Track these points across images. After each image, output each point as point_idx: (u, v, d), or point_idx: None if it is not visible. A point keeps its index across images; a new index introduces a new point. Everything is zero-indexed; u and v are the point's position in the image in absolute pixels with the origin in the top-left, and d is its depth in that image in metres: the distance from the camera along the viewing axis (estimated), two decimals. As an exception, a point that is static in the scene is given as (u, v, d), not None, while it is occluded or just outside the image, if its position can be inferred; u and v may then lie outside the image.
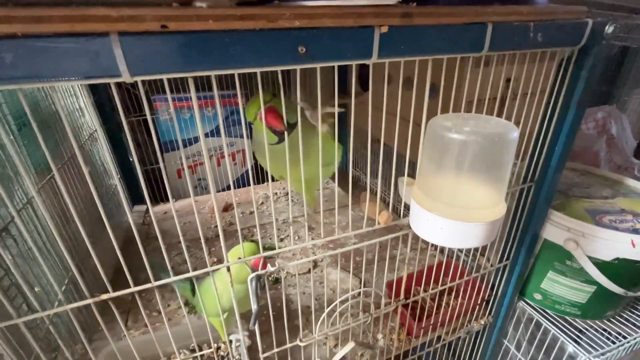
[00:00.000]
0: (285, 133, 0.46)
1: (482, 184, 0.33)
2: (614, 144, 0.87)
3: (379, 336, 0.50)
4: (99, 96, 0.87)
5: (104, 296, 0.31)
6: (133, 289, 0.32)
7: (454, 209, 0.33)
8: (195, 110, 0.30)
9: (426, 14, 0.30)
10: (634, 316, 0.62)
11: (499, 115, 0.46)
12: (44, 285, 0.48)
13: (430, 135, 0.33)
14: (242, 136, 1.21)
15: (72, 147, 0.71)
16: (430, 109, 0.37)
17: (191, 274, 0.34)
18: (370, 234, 0.43)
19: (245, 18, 0.24)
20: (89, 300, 0.31)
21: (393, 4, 0.29)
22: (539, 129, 0.48)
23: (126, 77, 0.23)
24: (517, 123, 0.47)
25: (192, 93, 0.27)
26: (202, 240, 0.34)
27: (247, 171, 1.26)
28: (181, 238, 0.34)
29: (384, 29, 0.29)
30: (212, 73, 0.26)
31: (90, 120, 0.85)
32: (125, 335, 0.58)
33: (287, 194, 1.12)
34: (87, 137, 0.80)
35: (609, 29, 0.40)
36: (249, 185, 1.23)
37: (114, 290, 0.31)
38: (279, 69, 0.28)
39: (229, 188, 1.21)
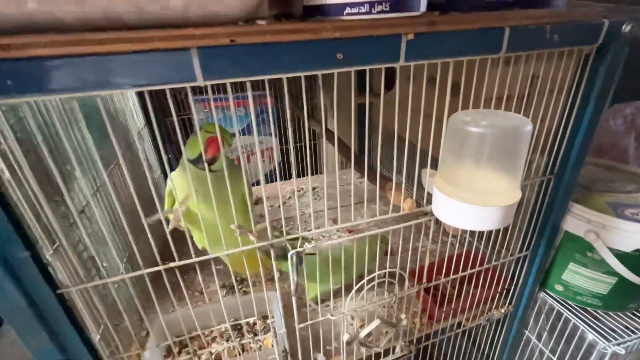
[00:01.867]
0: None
1: (498, 172, 0.36)
2: (643, 140, 0.86)
3: (402, 316, 0.54)
4: (143, 98, 0.96)
5: (172, 264, 0.37)
6: (177, 263, 0.38)
7: (472, 194, 0.37)
8: (232, 111, 0.35)
9: (448, 22, 0.34)
10: (659, 310, 0.62)
11: (524, 111, 0.49)
12: (110, 260, 0.56)
13: (451, 129, 0.37)
14: (270, 135, 1.28)
15: (126, 142, 0.80)
16: (453, 106, 0.41)
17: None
18: (397, 222, 0.47)
19: (295, 32, 0.29)
20: (159, 268, 0.37)
21: (419, 14, 0.33)
22: (558, 123, 0.50)
23: (200, 82, 0.29)
24: (542, 120, 0.50)
25: (230, 95, 0.33)
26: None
27: (274, 167, 1.33)
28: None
29: (411, 36, 0.33)
30: (266, 77, 0.32)
31: (137, 119, 0.94)
32: (173, 310, 0.66)
33: (313, 189, 1.18)
34: (136, 135, 0.89)
35: (626, 28, 0.42)
36: (277, 180, 1.30)
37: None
38: (320, 72, 0.33)
39: (258, 183, 1.28)
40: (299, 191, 1.16)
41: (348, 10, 0.30)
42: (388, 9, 0.29)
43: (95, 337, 0.45)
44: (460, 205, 0.37)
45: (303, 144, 1.27)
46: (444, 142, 0.39)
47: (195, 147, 0.55)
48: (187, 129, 1.16)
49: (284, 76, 0.32)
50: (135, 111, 0.92)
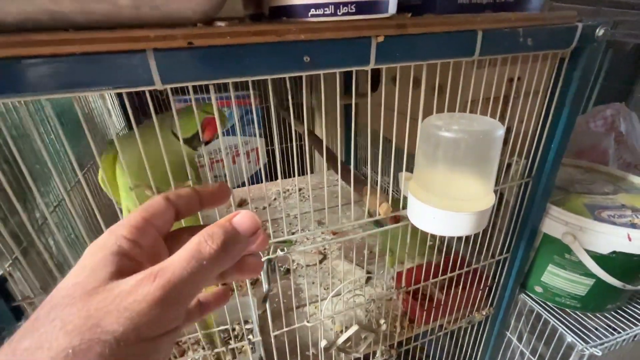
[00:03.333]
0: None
1: (471, 177, 0.36)
2: (623, 141, 0.87)
3: (382, 321, 0.54)
4: (121, 98, 0.94)
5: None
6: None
7: (446, 200, 0.36)
8: (215, 112, 0.34)
9: (419, 24, 0.34)
10: (635, 309, 0.63)
11: (503, 113, 0.49)
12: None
13: (423, 133, 0.36)
14: (256, 135, 1.26)
15: (101, 144, 0.77)
16: (433, 108, 0.40)
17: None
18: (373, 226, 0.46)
19: (257, 34, 0.28)
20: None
21: (388, 16, 0.32)
22: (535, 126, 0.50)
23: (158, 86, 0.28)
24: (519, 122, 0.50)
25: (212, 95, 0.31)
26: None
27: (260, 169, 1.31)
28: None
29: (380, 39, 0.33)
30: (230, 80, 0.31)
31: (117, 120, 0.92)
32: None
33: (298, 190, 1.17)
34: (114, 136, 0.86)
35: (600, 31, 0.42)
36: (262, 182, 1.28)
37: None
38: (286, 76, 0.32)
39: (243, 184, 1.26)
40: (284, 192, 1.15)
41: (313, 11, 0.29)
42: (354, 10, 0.29)
43: None
44: (433, 210, 0.36)
45: (289, 145, 1.26)
46: (418, 146, 0.39)
47: (190, 126, 0.52)
48: (170, 129, 1.14)
49: (249, 79, 0.31)
50: (114, 111, 0.90)
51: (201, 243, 0.17)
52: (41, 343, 0.14)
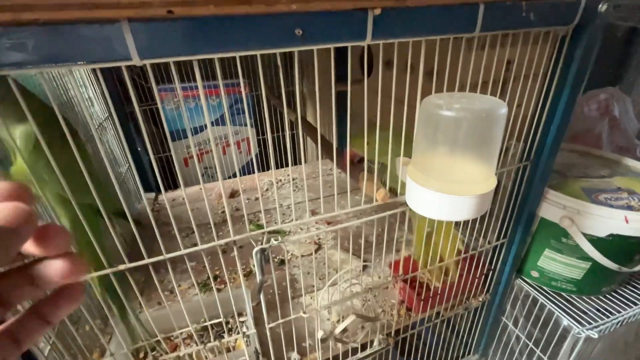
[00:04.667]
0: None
1: (472, 159, 0.34)
2: (616, 125, 0.87)
3: (379, 310, 0.53)
4: (107, 86, 0.90)
5: (121, 267, 0.34)
6: (147, 260, 0.35)
7: (446, 183, 0.34)
8: (202, 97, 0.31)
9: (418, -4, 0.31)
10: (629, 292, 0.63)
11: (501, 97, 0.48)
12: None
13: (423, 113, 0.34)
14: (247, 125, 1.23)
15: (84, 134, 0.74)
16: (428, 92, 0.38)
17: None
18: (371, 213, 0.45)
19: (244, 2, 0.26)
20: (108, 270, 0.34)
21: (386, -14, 0.30)
22: (534, 109, 0.49)
23: (136, 61, 0.25)
24: (517, 105, 0.48)
25: (198, 79, 0.29)
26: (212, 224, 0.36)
27: (252, 159, 1.28)
28: (192, 221, 0.36)
29: (377, 11, 0.30)
30: (216, 56, 0.28)
31: (100, 110, 0.88)
32: (140, 311, 0.62)
33: (291, 180, 1.15)
34: (97, 126, 0.83)
35: (602, 7, 0.40)
36: (254, 172, 1.26)
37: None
38: (278, 51, 0.30)
39: (235, 176, 1.24)
40: (277, 182, 1.13)
41: (305, -22, 0.26)
42: (349, -23, 0.26)
43: (45, 350, 0.42)
44: (433, 194, 0.34)
45: (281, 134, 1.23)
46: (417, 127, 0.37)
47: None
48: (156, 119, 1.10)
49: (237, 54, 0.28)
50: (97, 100, 0.86)
51: None
52: None
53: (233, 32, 0.27)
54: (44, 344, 0.43)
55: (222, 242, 0.38)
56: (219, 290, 0.69)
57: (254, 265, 0.40)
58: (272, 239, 0.38)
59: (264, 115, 0.34)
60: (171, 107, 1.09)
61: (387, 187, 0.44)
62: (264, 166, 1.29)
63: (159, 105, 0.33)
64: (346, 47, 0.33)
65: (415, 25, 0.33)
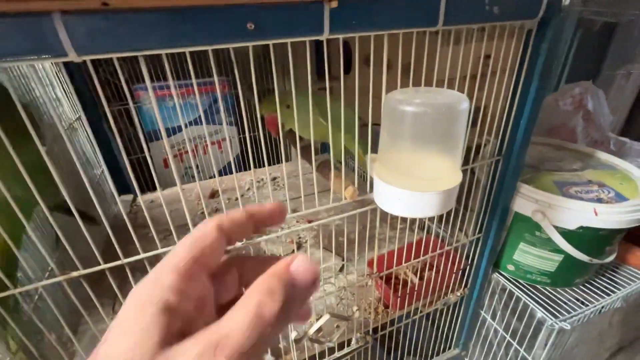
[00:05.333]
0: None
1: (435, 154, 0.34)
2: (590, 119, 0.88)
3: (354, 308, 0.52)
4: (78, 85, 0.86)
5: (74, 274, 0.32)
6: (103, 266, 0.33)
7: (411, 180, 0.34)
8: (175, 98, 0.30)
9: (376, -12, 0.31)
10: (601, 282, 0.65)
11: (478, 92, 0.48)
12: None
13: (385, 109, 0.34)
14: (228, 124, 1.21)
15: (50, 137, 0.71)
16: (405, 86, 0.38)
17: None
18: (345, 210, 0.44)
19: (188, -6, 0.24)
20: (60, 278, 0.32)
21: (341, -22, 0.29)
22: (504, 103, 0.49)
23: (73, 57, 0.24)
24: (496, 99, 0.48)
25: (170, 78, 0.28)
26: (190, 225, 0.35)
27: (233, 159, 1.27)
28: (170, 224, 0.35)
29: (334, 4, 0.29)
30: (163, 52, 0.27)
31: (70, 110, 0.85)
32: (112, 317, 0.60)
33: (273, 179, 1.14)
34: (66, 127, 0.80)
35: (566, 1, 0.40)
36: (236, 172, 1.24)
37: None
38: (230, 46, 0.29)
39: (215, 176, 1.22)
40: (258, 182, 1.11)
41: (252, -31, 0.25)
42: (299, -32, 0.25)
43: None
44: (397, 191, 0.34)
45: (259, 133, 1.21)
46: (382, 124, 0.36)
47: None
48: (132, 120, 1.07)
49: (186, 50, 0.27)
50: (67, 100, 0.83)
51: (261, 304, 0.15)
52: None
53: (178, 26, 0.26)
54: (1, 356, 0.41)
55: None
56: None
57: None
58: (238, 242, 0.37)
59: (243, 114, 0.33)
60: (147, 106, 1.07)
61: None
62: (248, 165, 1.28)
63: (131, 105, 0.31)
64: (322, 43, 0.33)
65: (375, 18, 0.32)
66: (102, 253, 0.34)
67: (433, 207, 0.34)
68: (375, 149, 0.40)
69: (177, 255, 0.16)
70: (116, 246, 0.33)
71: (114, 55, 0.26)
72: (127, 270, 0.35)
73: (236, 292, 0.19)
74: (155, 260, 0.36)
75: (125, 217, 0.34)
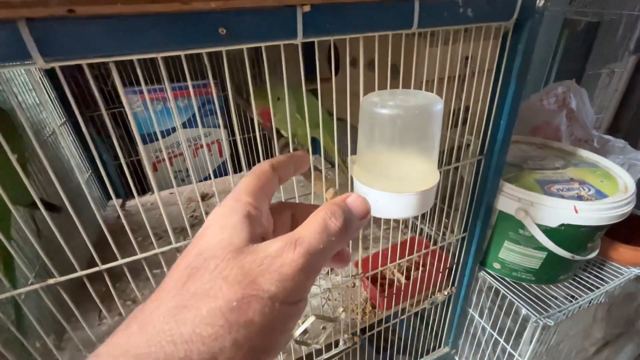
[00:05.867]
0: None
1: (412, 155, 0.34)
2: (574, 117, 0.90)
3: (340, 310, 0.52)
4: (62, 90, 0.86)
5: (51, 281, 0.32)
6: (80, 273, 0.33)
7: (388, 181, 0.34)
8: (171, 101, 0.30)
9: (349, -8, 0.31)
10: (585, 278, 0.66)
11: (459, 93, 0.48)
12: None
13: (362, 111, 0.34)
14: (217, 126, 1.20)
15: (37, 140, 0.70)
16: (393, 88, 0.38)
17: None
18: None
19: (157, 1, 0.24)
20: (36, 286, 0.32)
21: (313, -18, 0.29)
22: (483, 104, 0.50)
23: (40, 63, 0.24)
24: (475, 101, 0.49)
25: (143, 85, 0.28)
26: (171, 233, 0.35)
27: (224, 161, 1.26)
28: (150, 232, 0.35)
29: (306, 8, 0.30)
30: (134, 57, 0.27)
31: (55, 115, 0.84)
32: (99, 324, 0.60)
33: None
34: (50, 133, 0.79)
35: (540, 2, 0.41)
36: (226, 175, 1.23)
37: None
38: (202, 51, 0.29)
39: (206, 179, 1.21)
40: (249, 185, 1.11)
41: (221, -25, 0.25)
42: (268, -27, 0.25)
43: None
44: (375, 193, 0.34)
45: (252, 135, 1.21)
46: (359, 126, 0.36)
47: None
48: (120, 123, 1.07)
49: (157, 55, 0.27)
50: (52, 105, 0.82)
51: (327, 219, 0.18)
52: (207, 290, 0.15)
53: (148, 32, 0.26)
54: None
55: (161, 250, 0.36)
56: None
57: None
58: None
59: (233, 116, 0.33)
60: (135, 109, 1.06)
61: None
62: (239, 167, 1.27)
63: (127, 110, 0.31)
64: (312, 44, 0.33)
65: (350, 21, 0.33)
66: (89, 260, 0.33)
67: (411, 207, 0.34)
68: (355, 150, 0.40)
69: (247, 183, 0.20)
70: (93, 253, 0.33)
71: (83, 62, 0.26)
72: (106, 277, 0.35)
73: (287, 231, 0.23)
74: (134, 265, 0.36)
75: (103, 225, 0.34)
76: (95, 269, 0.34)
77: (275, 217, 0.22)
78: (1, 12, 0.21)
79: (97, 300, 0.36)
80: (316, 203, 0.25)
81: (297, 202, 0.25)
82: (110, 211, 1.01)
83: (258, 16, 0.28)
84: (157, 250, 0.36)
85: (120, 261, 0.35)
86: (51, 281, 0.32)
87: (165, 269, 0.38)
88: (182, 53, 0.28)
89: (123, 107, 1.07)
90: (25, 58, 0.23)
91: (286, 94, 0.40)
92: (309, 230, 0.17)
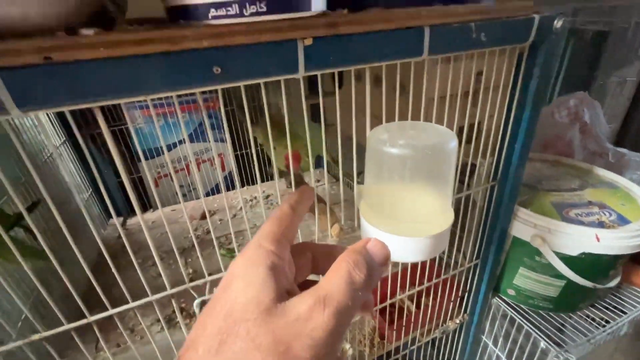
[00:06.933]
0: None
1: (424, 195, 0.31)
2: (587, 130, 0.86)
3: (347, 346, 0.49)
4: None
5: (35, 337, 0.30)
6: (67, 326, 0.31)
7: (398, 223, 0.32)
8: (178, 115, 0.28)
9: (354, 22, 0.29)
10: (607, 305, 0.62)
11: (471, 109, 0.45)
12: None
13: (369, 148, 0.32)
14: (221, 140, 1.19)
15: (33, 163, 0.68)
16: (400, 106, 0.36)
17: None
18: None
19: (143, 43, 0.22)
20: (18, 343, 0.29)
21: (314, 14, 0.27)
22: (498, 120, 0.47)
23: (15, 113, 0.22)
24: (490, 116, 0.46)
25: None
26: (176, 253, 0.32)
27: (225, 176, 1.24)
28: (154, 251, 0.32)
29: (308, 42, 0.27)
30: (121, 101, 0.25)
31: (54, 135, 0.83)
32: (96, 357, 0.57)
33: (268, 197, 1.11)
34: (49, 154, 0.77)
35: (558, 23, 0.39)
36: (223, 191, 1.21)
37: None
38: (196, 90, 0.26)
39: (207, 195, 1.19)
40: (251, 200, 1.09)
41: (213, 12, 0.23)
42: (265, 9, 0.23)
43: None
44: (386, 236, 0.31)
45: (250, 150, 1.19)
46: (366, 161, 0.34)
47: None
48: (120, 139, 1.05)
49: (147, 97, 0.25)
50: (52, 125, 0.81)
51: (351, 271, 0.18)
52: (237, 357, 0.15)
53: (134, 75, 0.23)
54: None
55: (154, 297, 0.34)
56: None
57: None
58: (215, 290, 0.34)
59: (225, 134, 0.30)
60: (141, 125, 1.05)
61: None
62: (242, 182, 1.25)
63: (130, 127, 0.29)
64: None
65: (354, 53, 0.30)
66: (86, 290, 0.31)
67: (424, 252, 0.32)
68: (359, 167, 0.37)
69: (269, 229, 0.20)
70: (81, 305, 0.31)
71: (65, 109, 0.23)
72: (95, 329, 0.32)
73: (308, 274, 0.23)
74: (120, 316, 0.33)
75: (103, 249, 0.31)
76: (84, 321, 0.31)
77: (296, 260, 0.22)
78: (-31, 63, 0.19)
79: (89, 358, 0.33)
80: (328, 240, 0.23)
81: (318, 243, 0.25)
82: (111, 230, 0.99)
83: (255, 52, 0.26)
84: (150, 298, 0.34)
85: (111, 311, 0.32)
86: (35, 337, 0.29)
87: (160, 317, 0.35)
88: (173, 94, 0.26)
89: (124, 124, 1.05)
90: (0, 110, 0.21)
91: (307, 132, 0.36)
92: (335, 285, 0.17)
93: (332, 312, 0.16)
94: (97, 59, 0.22)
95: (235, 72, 0.26)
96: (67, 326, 0.31)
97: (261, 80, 0.28)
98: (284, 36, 0.26)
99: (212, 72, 0.25)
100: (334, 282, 0.17)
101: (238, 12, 0.23)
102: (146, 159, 1.12)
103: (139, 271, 0.34)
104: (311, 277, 0.25)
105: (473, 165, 0.54)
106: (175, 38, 0.23)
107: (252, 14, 0.23)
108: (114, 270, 0.32)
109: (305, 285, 0.24)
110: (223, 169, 1.24)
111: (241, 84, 0.27)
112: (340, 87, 0.96)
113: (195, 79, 0.25)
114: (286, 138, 0.36)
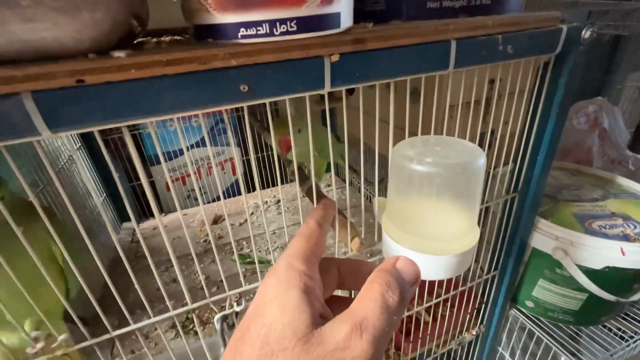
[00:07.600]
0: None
1: (450, 213, 0.31)
2: (607, 137, 0.84)
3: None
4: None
5: (58, 353, 0.30)
6: (90, 341, 0.31)
7: (423, 241, 0.31)
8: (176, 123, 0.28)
9: (380, 38, 0.28)
10: (629, 319, 0.60)
11: (485, 117, 0.44)
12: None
13: (393, 164, 0.31)
14: (229, 144, 1.19)
15: (48, 172, 0.69)
16: (413, 112, 0.36)
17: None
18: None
19: (172, 63, 0.22)
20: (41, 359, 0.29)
21: (342, 31, 0.27)
22: (519, 138, 0.46)
23: (46, 135, 0.22)
24: (505, 123, 0.45)
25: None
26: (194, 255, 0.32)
27: (237, 180, 1.24)
28: (172, 256, 0.32)
29: (335, 58, 0.27)
30: (149, 120, 0.25)
31: (69, 141, 0.84)
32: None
33: (278, 202, 1.11)
34: (66, 159, 0.78)
35: (586, 33, 0.38)
36: (240, 194, 1.21)
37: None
38: (222, 108, 0.26)
39: (219, 198, 1.20)
40: (264, 204, 1.09)
41: (243, 31, 0.23)
42: (295, 29, 0.23)
43: None
44: (409, 253, 0.31)
45: (265, 154, 1.20)
46: (389, 177, 0.33)
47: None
48: (136, 144, 1.06)
49: (176, 116, 0.25)
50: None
51: (384, 294, 0.17)
52: None
53: (166, 95, 0.23)
54: None
55: (176, 312, 0.34)
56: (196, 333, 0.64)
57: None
58: (236, 305, 0.34)
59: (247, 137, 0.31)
60: (150, 130, 1.05)
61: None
62: (252, 187, 1.25)
63: (152, 131, 0.29)
64: None
65: (381, 68, 0.30)
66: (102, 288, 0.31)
67: (449, 270, 0.31)
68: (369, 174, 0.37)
69: (298, 248, 0.20)
70: (104, 319, 0.31)
71: (95, 129, 0.23)
72: (117, 343, 0.32)
73: (334, 290, 0.23)
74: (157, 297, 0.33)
75: (121, 253, 0.32)
76: (106, 336, 0.31)
77: (323, 277, 0.21)
78: (3, 88, 0.19)
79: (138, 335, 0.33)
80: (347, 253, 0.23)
81: (343, 258, 0.25)
82: (124, 235, 0.99)
83: (281, 69, 0.26)
84: (171, 313, 0.34)
85: (133, 326, 0.32)
86: (58, 353, 0.30)
87: (177, 324, 0.35)
88: (200, 112, 0.26)
89: (137, 129, 1.06)
90: (30, 132, 0.21)
91: (310, 130, 0.37)
92: (370, 310, 0.17)
93: (370, 340, 0.16)
94: (128, 80, 0.22)
95: (262, 90, 0.26)
96: (90, 341, 0.31)
97: (286, 97, 0.28)
98: (310, 53, 0.26)
99: (239, 90, 0.25)
100: (369, 306, 0.17)
101: (268, 32, 0.22)
102: (158, 163, 1.12)
103: (158, 280, 0.34)
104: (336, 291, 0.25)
105: (490, 175, 0.53)
106: (204, 57, 0.23)
107: (282, 33, 0.23)
108: (133, 278, 0.32)
109: (331, 301, 0.23)
110: (233, 173, 1.25)
111: (267, 100, 0.27)
112: (352, 92, 0.96)
113: (223, 98, 0.25)
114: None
